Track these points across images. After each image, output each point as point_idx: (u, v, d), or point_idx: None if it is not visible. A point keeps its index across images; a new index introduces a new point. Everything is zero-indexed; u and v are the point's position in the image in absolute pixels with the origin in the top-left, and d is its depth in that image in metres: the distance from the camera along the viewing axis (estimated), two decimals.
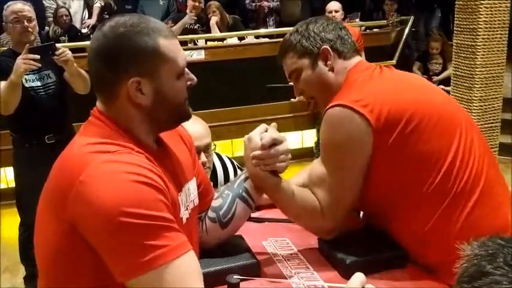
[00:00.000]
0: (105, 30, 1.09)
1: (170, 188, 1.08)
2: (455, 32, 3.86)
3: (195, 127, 1.80)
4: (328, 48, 1.43)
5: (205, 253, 1.32)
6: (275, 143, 1.31)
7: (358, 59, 1.47)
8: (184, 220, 1.18)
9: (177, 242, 0.99)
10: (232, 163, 2.23)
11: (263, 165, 1.32)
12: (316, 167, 1.41)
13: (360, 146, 1.30)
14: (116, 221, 0.94)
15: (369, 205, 1.42)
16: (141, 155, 1.05)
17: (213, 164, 2.08)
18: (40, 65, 2.69)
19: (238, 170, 2.16)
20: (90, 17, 6.46)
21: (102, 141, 1.05)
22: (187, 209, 1.21)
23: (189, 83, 1.15)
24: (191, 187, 1.25)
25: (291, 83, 1.48)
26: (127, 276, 0.96)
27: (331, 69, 1.44)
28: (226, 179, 2.13)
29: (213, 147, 1.95)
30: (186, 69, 1.14)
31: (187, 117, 1.19)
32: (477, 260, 0.67)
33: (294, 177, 1.67)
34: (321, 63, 1.44)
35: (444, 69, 5.80)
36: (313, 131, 5.41)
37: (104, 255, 0.98)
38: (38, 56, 2.64)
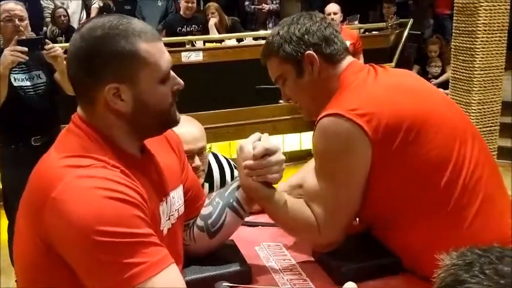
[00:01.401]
0: (83, 32, 1.04)
1: (149, 200, 1.05)
2: (453, 34, 3.84)
3: (190, 130, 1.77)
4: (313, 53, 1.34)
5: (194, 259, 1.29)
6: (267, 153, 1.27)
7: (349, 60, 1.38)
8: (165, 232, 1.14)
9: (157, 257, 0.96)
10: (229, 163, 2.20)
11: (255, 176, 1.28)
12: (311, 178, 1.34)
13: (357, 158, 1.24)
14: (91, 240, 0.91)
15: (367, 217, 1.37)
16: (116, 170, 1.00)
17: (209, 165, 2.05)
18: (28, 57, 2.65)
19: (235, 171, 2.13)
20: (88, 17, 6.44)
21: (77, 155, 1.01)
22: (169, 218, 1.17)
23: (175, 87, 1.10)
24: (176, 196, 1.21)
25: None
26: None
27: (318, 76, 1.35)
28: (223, 179, 2.11)
29: (208, 149, 1.92)
30: (173, 73, 1.09)
31: (173, 124, 1.14)
32: (454, 269, 0.67)
33: (290, 178, 1.64)
34: (306, 70, 1.35)
35: (443, 72, 5.79)
36: (312, 133, 5.38)
37: (81, 273, 0.96)
38: (25, 49, 2.60)
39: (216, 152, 2.26)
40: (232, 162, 2.21)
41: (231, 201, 1.32)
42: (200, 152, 1.82)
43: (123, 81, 1.03)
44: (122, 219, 0.94)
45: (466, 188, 1.25)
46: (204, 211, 1.35)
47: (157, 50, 1.05)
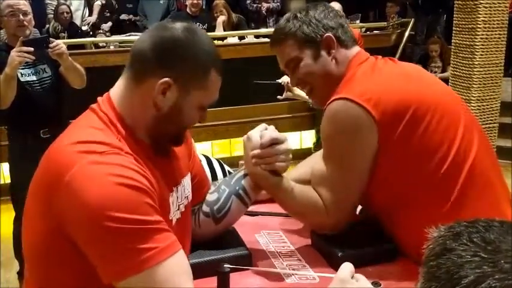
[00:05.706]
0: (179, 27, 1.09)
1: (160, 189, 1.07)
2: (454, 31, 3.84)
3: None
4: (332, 36, 1.37)
5: (197, 245, 1.31)
6: (275, 142, 1.29)
7: (358, 49, 1.42)
8: (174, 221, 1.16)
9: (166, 242, 0.98)
10: (222, 166, 2.20)
11: (263, 165, 1.30)
12: (318, 164, 1.37)
13: (364, 141, 1.27)
14: (101, 226, 0.93)
15: (372, 203, 1.38)
16: (129, 156, 1.02)
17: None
18: (34, 57, 2.68)
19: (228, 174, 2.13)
20: (90, 14, 6.47)
21: (92, 140, 1.01)
22: (178, 208, 1.20)
23: (201, 118, 1.15)
24: (186, 183, 1.24)
25: (278, 80, 1.43)
26: (115, 279, 0.96)
27: (334, 59, 1.38)
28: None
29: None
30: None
31: (179, 143, 1.19)
32: (442, 240, 0.70)
33: (293, 170, 1.65)
34: (323, 53, 1.37)
35: (443, 71, 5.80)
36: (312, 132, 5.41)
37: (91, 257, 0.97)
38: (31, 49, 2.64)
39: (208, 156, 2.27)
40: (226, 167, 2.21)
41: (237, 189, 1.35)
42: None
43: (179, 83, 1.07)
44: (132, 206, 0.95)
45: (472, 174, 1.28)
46: (210, 198, 1.37)
47: (217, 84, 1.13)
